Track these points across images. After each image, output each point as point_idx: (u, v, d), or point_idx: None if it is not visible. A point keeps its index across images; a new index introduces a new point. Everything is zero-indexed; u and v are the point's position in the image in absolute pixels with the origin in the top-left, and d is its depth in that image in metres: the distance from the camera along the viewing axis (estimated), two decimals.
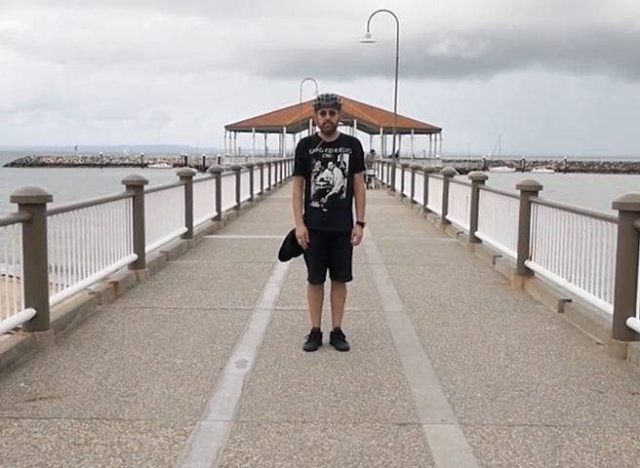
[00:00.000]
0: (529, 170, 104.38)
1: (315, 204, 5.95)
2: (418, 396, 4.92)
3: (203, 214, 13.62)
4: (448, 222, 14.71)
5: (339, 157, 5.91)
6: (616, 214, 5.98)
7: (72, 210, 6.95)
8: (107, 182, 42.54)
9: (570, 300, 7.40)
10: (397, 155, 69.39)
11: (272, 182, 28.63)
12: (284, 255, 6.29)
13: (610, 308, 6.15)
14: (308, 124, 60.87)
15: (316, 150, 5.93)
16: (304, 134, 54.70)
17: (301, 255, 6.17)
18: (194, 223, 12.31)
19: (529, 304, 7.91)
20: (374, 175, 34.43)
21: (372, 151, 40.50)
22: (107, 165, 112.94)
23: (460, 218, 13.53)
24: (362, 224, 6.11)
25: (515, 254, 9.07)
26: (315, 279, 6.13)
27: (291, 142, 72.81)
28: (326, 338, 6.15)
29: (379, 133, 71.44)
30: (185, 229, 11.81)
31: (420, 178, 19.18)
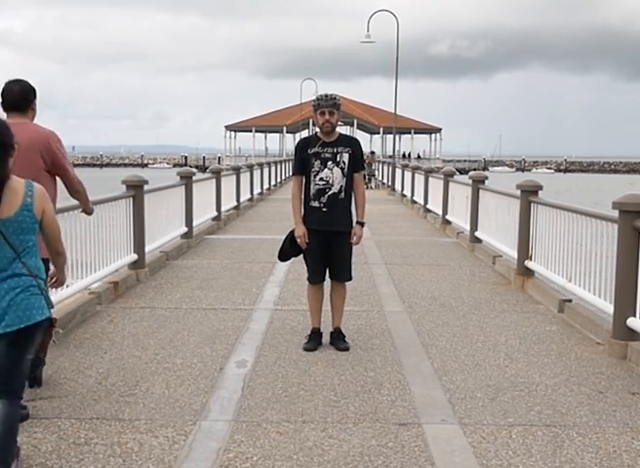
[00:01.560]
0: (529, 170, 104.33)
1: (315, 203, 5.95)
2: (418, 396, 4.92)
3: (203, 214, 13.62)
4: (448, 222, 14.71)
5: (338, 157, 5.91)
6: (616, 214, 5.98)
7: (72, 210, 6.95)
8: (107, 183, 42.51)
9: (570, 300, 7.40)
10: (408, 155, 70.14)
11: (272, 182, 28.64)
12: (284, 255, 6.29)
13: (610, 308, 6.15)
14: (308, 124, 60.87)
15: (315, 150, 5.93)
16: (304, 134, 54.73)
17: (301, 255, 6.18)
18: (194, 223, 12.32)
19: (529, 304, 7.91)
20: (374, 175, 34.39)
21: (372, 153, 40.35)
22: (107, 165, 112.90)
23: (459, 218, 13.53)
24: (362, 224, 6.11)
25: (515, 254, 9.07)
26: (315, 279, 6.13)
27: (291, 142, 72.84)
28: (326, 338, 6.15)
29: (379, 133, 71.48)
30: (185, 229, 11.81)
31: (420, 178, 19.18)
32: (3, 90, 4.78)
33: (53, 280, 3.95)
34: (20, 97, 4.76)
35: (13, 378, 3.48)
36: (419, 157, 69.41)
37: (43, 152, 4.74)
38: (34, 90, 4.84)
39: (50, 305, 3.57)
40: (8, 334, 3.39)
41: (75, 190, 5.10)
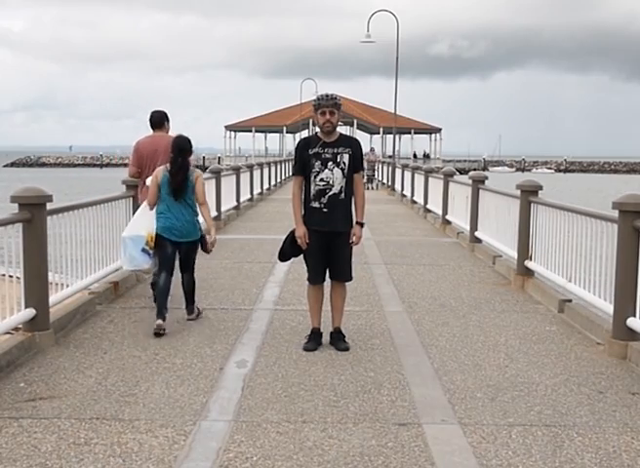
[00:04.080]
0: (529, 170, 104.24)
1: (315, 204, 5.95)
2: (418, 396, 4.92)
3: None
4: (448, 222, 14.71)
5: (338, 157, 5.91)
6: (616, 214, 5.98)
7: (72, 210, 6.96)
8: (107, 183, 42.47)
9: (570, 300, 7.40)
10: (426, 155, 70.63)
11: (272, 182, 28.63)
12: (284, 256, 6.29)
13: (610, 308, 6.15)
14: (308, 124, 60.89)
15: (316, 150, 5.92)
16: (304, 134, 54.72)
17: (301, 256, 6.18)
18: None
19: (529, 304, 7.92)
20: (374, 175, 34.03)
21: (371, 149, 39.17)
22: (107, 165, 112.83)
23: (459, 218, 13.53)
24: (361, 224, 6.11)
25: (515, 254, 9.07)
26: (315, 279, 6.13)
27: (291, 142, 72.86)
28: (326, 338, 6.15)
29: (378, 133, 71.52)
30: None
31: (419, 178, 19.19)
32: (151, 116, 7.91)
33: (210, 244, 7.02)
34: (160, 120, 7.89)
35: (189, 263, 6.99)
36: (427, 156, 69.92)
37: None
38: (167, 115, 7.96)
39: (200, 229, 6.94)
40: (186, 243, 6.79)
41: None
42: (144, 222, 6.69)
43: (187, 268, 7.00)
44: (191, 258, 6.99)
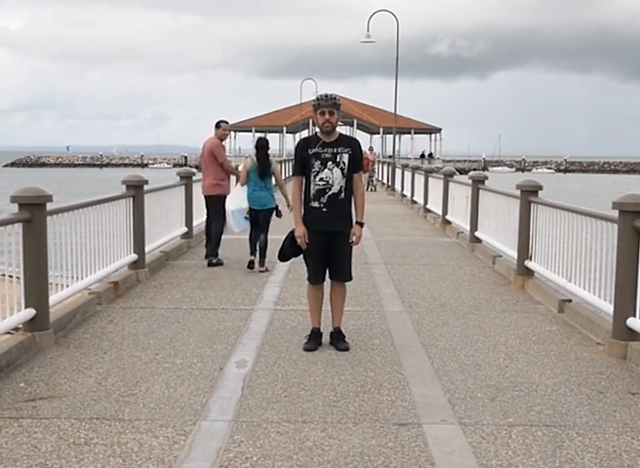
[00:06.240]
0: (529, 170, 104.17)
1: (315, 204, 5.95)
2: (418, 396, 4.92)
3: (203, 214, 13.56)
4: (448, 222, 14.71)
5: (338, 157, 5.91)
6: (616, 214, 5.98)
7: (72, 210, 6.95)
8: (106, 183, 42.51)
9: (570, 300, 7.40)
10: (430, 155, 70.59)
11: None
12: (283, 256, 6.30)
13: (610, 308, 6.15)
14: (308, 124, 60.92)
15: (316, 150, 5.92)
16: (304, 134, 54.70)
17: (301, 256, 6.18)
18: (194, 223, 12.31)
19: (529, 304, 7.92)
20: (372, 176, 33.49)
21: (370, 148, 38.20)
22: (107, 165, 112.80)
23: (459, 218, 13.53)
24: (361, 224, 6.11)
25: (515, 254, 9.07)
26: (315, 279, 6.13)
27: (291, 142, 72.88)
28: (326, 338, 6.15)
29: (378, 133, 71.57)
30: (185, 229, 11.81)
31: (419, 178, 19.19)
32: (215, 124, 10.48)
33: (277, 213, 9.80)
34: (215, 126, 10.42)
35: (265, 226, 9.80)
36: (431, 156, 70.11)
37: (214, 151, 10.22)
38: (217, 123, 10.40)
39: (274, 201, 9.85)
40: (263, 210, 9.75)
41: (231, 173, 10.51)
42: (242, 198, 9.70)
43: (263, 229, 9.72)
44: (266, 222, 9.74)
